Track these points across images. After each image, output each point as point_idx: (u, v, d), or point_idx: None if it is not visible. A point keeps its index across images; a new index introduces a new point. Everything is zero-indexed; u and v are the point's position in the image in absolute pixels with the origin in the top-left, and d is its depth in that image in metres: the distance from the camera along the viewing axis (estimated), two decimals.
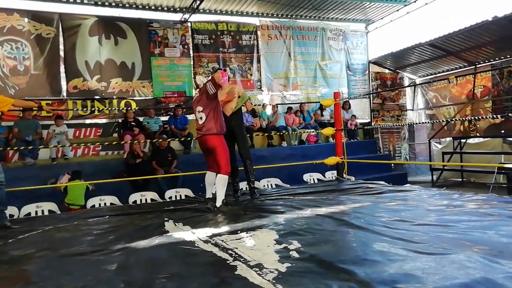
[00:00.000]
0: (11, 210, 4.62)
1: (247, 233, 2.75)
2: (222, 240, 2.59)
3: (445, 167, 9.63)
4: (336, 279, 1.77)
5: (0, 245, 2.88)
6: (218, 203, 3.88)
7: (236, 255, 2.23)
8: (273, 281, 1.80)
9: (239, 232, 2.79)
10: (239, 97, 4.60)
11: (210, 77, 4.11)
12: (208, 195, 4.19)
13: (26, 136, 6.98)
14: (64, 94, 8.37)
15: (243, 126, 4.77)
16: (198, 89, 4.25)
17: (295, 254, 2.18)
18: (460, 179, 9.64)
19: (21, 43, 7.96)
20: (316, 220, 3.04)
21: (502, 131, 9.60)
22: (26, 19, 8.00)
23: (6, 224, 3.64)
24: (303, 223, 2.93)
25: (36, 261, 2.42)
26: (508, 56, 9.60)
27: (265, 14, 10.42)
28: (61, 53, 8.36)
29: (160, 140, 7.00)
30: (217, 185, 3.96)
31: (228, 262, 2.14)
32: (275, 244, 2.41)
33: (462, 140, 9.67)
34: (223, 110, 4.45)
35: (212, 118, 3.96)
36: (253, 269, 1.98)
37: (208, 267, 2.11)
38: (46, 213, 4.97)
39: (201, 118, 4.00)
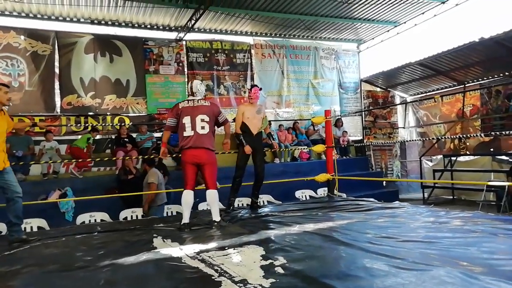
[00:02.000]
0: None
1: (234, 249, 2.77)
2: (209, 256, 2.60)
3: (436, 185, 9.72)
4: None
5: None
6: (217, 218, 3.87)
7: (222, 271, 2.25)
8: None
9: (226, 248, 2.81)
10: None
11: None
12: (185, 219, 3.83)
13: (16, 152, 6.96)
14: (58, 110, 8.42)
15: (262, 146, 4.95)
16: (205, 95, 4.24)
17: (280, 270, 2.20)
18: (451, 197, 9.71)
19: (17, 60, 8.05)
20: (303, 237, 3.06)
21: (491, 149, 9.76)
22: (22, 37, 8.11)
23: (23, 237, 3.59)
24: (291, 240, 2.95)
25: (22, 277, 2.42)
26: (496, 76, 9.84)
27: (259, 33, 10.63)
28: (56, 70, 8.46)
29: (152, 156, 7.03)
30: (211, 201, 3.93)
31: (213, 277, 2.15)
32: (261, 260, 2.43)
33: (452, 158, 9.79)
34: (250, 126, 4.62)
35: (212, 133, 4.01)
36: (237, 284, 2.00)
37: (193, 282, 2.13)
38: (35, 229, 4.93)
39: (203, 127, 3.90)
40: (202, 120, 3.90)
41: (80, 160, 6.83)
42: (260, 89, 4.74)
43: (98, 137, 8.89)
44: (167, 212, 6.09)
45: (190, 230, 3.72)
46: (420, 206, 4.69)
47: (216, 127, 4.19)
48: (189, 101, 4.04)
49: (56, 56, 8.46)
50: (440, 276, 1.92)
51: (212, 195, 3.92)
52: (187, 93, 9.58)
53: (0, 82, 4.02)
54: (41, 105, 8.24)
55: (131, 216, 5.62)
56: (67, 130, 8.44)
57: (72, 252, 3.05)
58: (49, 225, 5.18)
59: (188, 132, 3.90)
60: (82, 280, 2.29)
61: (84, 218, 5.47)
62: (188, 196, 3.88)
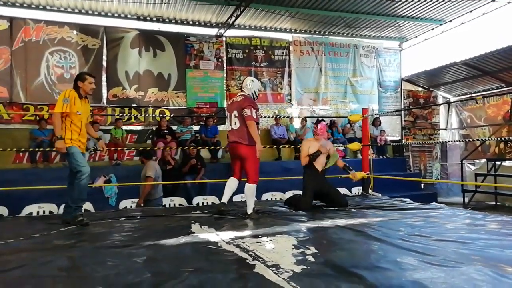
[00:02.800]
0: (50, 207, 5.00)
1: (267, 237, 2.89)
2: (244, 243, 2.74)
3: (478, 189, 9.34)
4: (347, 282, 1.88)
5: (44, 235, 3.17)
6: (249, 211, 4.00)
7: (256, 256, 2.38)
8: (288, 279, 1.93)
9: (260, 236, 2.94)
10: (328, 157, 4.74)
11: (252, 95, 4.18)
12: (224, 199, 4.19)
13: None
14: (104, 101, 8.91)
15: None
16: (241, 92, 4.20)
17: (311, 258, 2.30)
18: (494, 203, 9.29)
19: (69, 53, 8.62)
20: (335, 230, 3.13)
21: None
22: (74, 31, 8.65)
23: (79, 218, 3.68)
24: (322, 232, 3.04)
25: (76, 249, 2.68)
26: None
27: (298, 30, 10.66)
28: (104, 63, 8.95)
29: (191, 147, 7.30)
30: (246, 194, 4.06)
31: (247, 261, 2.29)
32: (293, 248, 2.54)
33: (497, 162, 9.36)
34: (315, 163, 4.64)
35: (245, 126, 3.99)
36: (270, 268, 2.12)
37: (228, 264, 2.27)
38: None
39: (235, 123, 4.05)
40: (235, 116, 4.06)
41: (119, 149, 7.25)
42: (327, 124, 4.64)
43: (139, 128, 9.35)
44: (203, 202, 6.30)
45: (223, 213, 4.07)
46: (457, 209, 4.60)
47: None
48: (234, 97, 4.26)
49: (104, 50, 8.95)
50: (469, 273, 1.94)
51: (246, 188, 4.06)
52: (225, 88, 9.92)
53: (87, 72, 4.33)
54: (89, 96, 8.71)
55: (169, 204, 5.88)
56: (112, 121, 8.90)
57: (117, 232, 3.30)
58: (94, 208, 5.55)
59: (228, 127, 4.20)
60: (127, 256, 2.50)
61: (126, 203, 5.78)
62: (230, 181, 4.25)
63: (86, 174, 3.72)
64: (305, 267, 2.14)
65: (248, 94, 4.15)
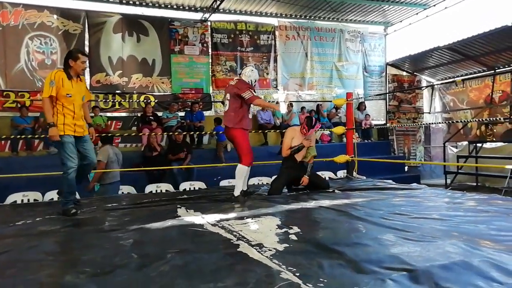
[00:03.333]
0: (35, 195, 4.97)
1: (252, 219, 2.95)
2: (229, 224, 2.79)
3: (460, 171, 9.58)
4: (327, 258, 1.95)
5: (29, 222, 3.16)
6: (236, 193, 4.02)
7: (240, 236, 2.43)
8: (271, 257, 1.99)
9: (245, 218, 2.99)
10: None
11: (249, 78, 4.16)
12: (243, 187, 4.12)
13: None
14: (88, 87, 8.74)
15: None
16: (239, 75, 4.23)
17: (293, 237, 2.37)
18: (475, 184, 9.56)
19: (50, 38, 8.41)
20: (318, 211, 3.21)
21: None
22: (55, 16, 8.43)
23: (69, 211, 3.46)
24: (306, 213, 3.11)
25: (62, 235, 2.69)
26: None
27: (283, 15, 10.60)
28: (86, 49, 8.76)
29: (176, 133, 7.28)
30: (236, 175, 4.04)
31: (232, 241, 2.34)
32: (276, 228, 2.60)
33: (478, 145, 9.59)
34: (296, 156, 4.52)
35: (233, 110, 4.03)
36: (254, 247, 2.18)
37: (213, 244, 2.32)
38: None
39: (226, 105, 4.14)
40: (227, 99, 4.13)
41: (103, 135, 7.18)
42: (320, 126, 4.67)
43: (124, 114, 9.25)
44: (189, 188, 6.33)
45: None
46: (437, 189, 4.73)
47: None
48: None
49: (86, 35, 8.76)
50: (444, 246, 2.03)
51: (237, 169, 4.06)
52: (210, 73, 9.85)
53: (79, 50, 3.86)
54: None
55: (156, 191, 5.89)
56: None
57: (103, 217, 3.31)
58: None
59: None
60: (114, 240, 2.52)
61: None
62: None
63: (73, 169, 3.48)
64: (288, 245, 2.21)
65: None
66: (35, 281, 1.78)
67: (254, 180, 6.13)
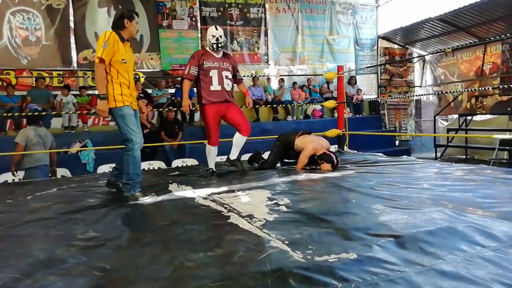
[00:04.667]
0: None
1: (243, 192, 2.97)
2: (220, 198, 2.81)
3: (450, 144, 9.69)
4: (316, 227, 1.98)
5: (20, 200, 3.15)
6: (233, 157, 3.99)
7: (231, 208, 2.46)
8: (261, 227, 2.02)
9: (235, 191, 3.02)
10: None
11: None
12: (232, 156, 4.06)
13: (33, 105, 7.19)
14: (75, 65, 8.57)
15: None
16: (221, 50, 3.97)
17: (283, 208, 2.40)
18: (464, 156, 9.70)
19: (32, 14, 8.13)
20: (309, 183, 3.25)
21: (509, 109, 9.58)
22: None
23: (136, 195, 2.96)
24: (296, 185, 3.14)
25: (53, 211, 2.68)
26: None
27: None
28: (72, 24, 8.51)
29: (167, 110, 7.21)
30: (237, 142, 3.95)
31: (222, 213, 2.37)
32: (267, 200, 2.63)
33: (468, 118, 9.67)
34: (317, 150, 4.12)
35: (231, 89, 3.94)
36: (244, 218, 2.20)
37: (204, 216, 2.35)
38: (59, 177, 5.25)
39: (228, 84, 3.89)
40: (227, 78, 3.95)
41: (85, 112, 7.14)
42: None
43: None
44: (182, 165, 6.32)
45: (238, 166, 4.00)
46: (427, 161, 4.79)
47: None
48: None
49: (71, 10, 8.48)
50: (430, 213, 2.08)
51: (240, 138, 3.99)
52: (200, 49, 9.64)
53: (132, 10, 3.35)
54: (58, 59, 8.39)
55: (148, 168, 5.88)
56: (84, 85, 8.61)
57: (95, 194, 3.31)
58: (72, 174, 5.51)
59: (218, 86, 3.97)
60: (105, 214, 2.53)
61: (104, 169, 5.70)
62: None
63: (139, 144, 3.02)
64: (278, 215, 2.24)
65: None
66: (27, 254, 1.79)
67: (246, 156, 6.13)
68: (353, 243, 1.71)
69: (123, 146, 3.05)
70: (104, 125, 8.34)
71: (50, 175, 5.27)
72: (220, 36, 3.89)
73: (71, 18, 8.49)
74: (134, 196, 2.93)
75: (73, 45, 8.52)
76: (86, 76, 8.49)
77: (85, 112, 7.64)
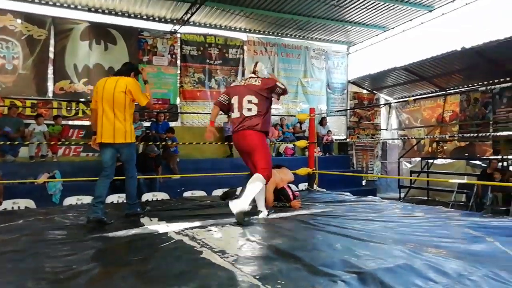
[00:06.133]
0: None
1: (216, 227, 3.05)
2: (193, 232, 2.88)
3: (413, 185, 10.16)
4: (286, 262, 2.09)
5: None
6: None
7: (204, 244, 2.53)
8: (232, 262, 2.11)
9: (208, 226, 3.09)
10: None
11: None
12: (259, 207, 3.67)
13: (5, 128, 7.06)
14: (50, 95, 8.54)
15: None
16: (251, 74, 3.75)
17: (255, 244, 2.50)
18: (426, 197, 10.15)
19: (12, 43, 8.14)
20: (279, 220, 3.37)
21: (466, 154, 10.23)
22: (19, 20, 8.19)
23: (139, 211, 3.76)
24: (267, 223, 3.25)
25: (21, 243, 2.65)
26: (475, 84, 10.31)
27: (252, 30, 10.88)
28: (51, 55, 8.55)
29: (146, 144, 7.25)
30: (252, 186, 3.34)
31: (195, 248, 2.43)
32: (239, 236, 2.72)
33: (429, 161, 10.23)
34: (278, 184, 4.16)
35: (262, 115, 3.51)
36: (217, 253, 2.28)
37: (177, 251, 2.40)
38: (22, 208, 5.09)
39: (249, 109, 3.50)
40: (249, 102, 3.53)
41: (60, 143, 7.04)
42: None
43: (87, 123, 9.03)
44: (152, 199, 6.25)
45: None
46: (391, 201, 5.04)
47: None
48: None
49: (51, 41, 8.55)
50: (391, 251, 2.24)
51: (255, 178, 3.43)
52: (178, 85, 9.90)
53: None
54: (33, 88, 8.34)
55: (117, 201, 5.81)
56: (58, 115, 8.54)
57: (63, 226, 3.27)
58: (36, 206, 5.34)
59: (235, 114, 3.66)
60: (74, 248, 2.53)
61: (71, 201, 5.56)
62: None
63: None
64: (249, 251, 2.33)
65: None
66: None
67: (219, 192, 6.19)
68: (320, 279, 1.83)
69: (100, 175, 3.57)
70: (75, 156, 8.24)
71: None
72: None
73: (51, 49, 8.55)
74: (139, 212, 3.70)
75: (50, 75, 8.52)
76: (61, 107, 8.44)
77: (58, 143, 7.54)
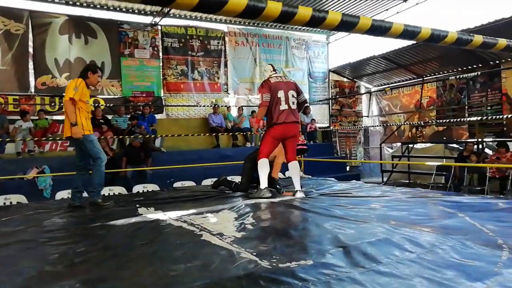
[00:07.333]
0: None
1: (211, 213, 3.24)
2: (190, 219, 3.06)
3: (394, 169, 10.56)
4: (279, 240, 2.30)
5: None
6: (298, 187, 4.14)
7: (202, 228, 2.72)
8: (231, 243, 2.31)
9: (204, 213, 3.28)
10: None
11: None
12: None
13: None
14: (32, 90, 8.47)
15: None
16: (273, 72, 4.41)
17: (249, 226, 2.71)
18: (407, 181, 10.59)
19: None
20: (270, 205, 3.59)
21: (444, 138, 10.69)
22: None
23: (99, 201, 3.96)
24: (258, 207, 3.46)
25: (27, 234, 2.78)
26: (451, 71, 10.72)
27: (232, 21, 10.96)
28: (30, 50, 8.47)
29: (132, 136, 7.33)
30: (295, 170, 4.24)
31: (195, 232, 2.62)
32: (234, 220, 2.93)
33: (410, 145, 10.65)
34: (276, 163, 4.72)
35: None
36: (216, 236, 2.48)
37: (179, 235, 2.59)
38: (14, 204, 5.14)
39: (293, 103, 4.17)
40: (293, 96, 4.20)
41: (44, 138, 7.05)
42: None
43: None
44: (143, 190, 6.37)
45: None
46: (374, 185, 5.34)
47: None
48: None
49: (30, 36, 8.46)
50: (373, 228, 2.49)
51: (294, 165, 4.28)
52: (161, 77, 9.93)
53: (97, 66, 4.31)
54: (15, 84, 8.26)
55: (109, 194, 5.91)
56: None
57: (64, 218, 3.41)
58: (28, 201, 5.40)
59: (283, 106, 4.16)
60: (79, 235, 2.69)
61: (62, 194, 5.64)
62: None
63: (105, 161, 3.99)
64: (245, 233, 2.54)
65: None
66: (17, 271, 1.94)
67: (207, 181, 6.36)
68: (310, 253, 2.06)
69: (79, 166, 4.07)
70: (62, 151, 8.24)
71: None
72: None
73: (30, 43, 8.46)
74: (97, 202, 3.86)
75: (31, 71, 8.44)
76: (44, 103, 8.39)
77: (43, 138, 7.53)
